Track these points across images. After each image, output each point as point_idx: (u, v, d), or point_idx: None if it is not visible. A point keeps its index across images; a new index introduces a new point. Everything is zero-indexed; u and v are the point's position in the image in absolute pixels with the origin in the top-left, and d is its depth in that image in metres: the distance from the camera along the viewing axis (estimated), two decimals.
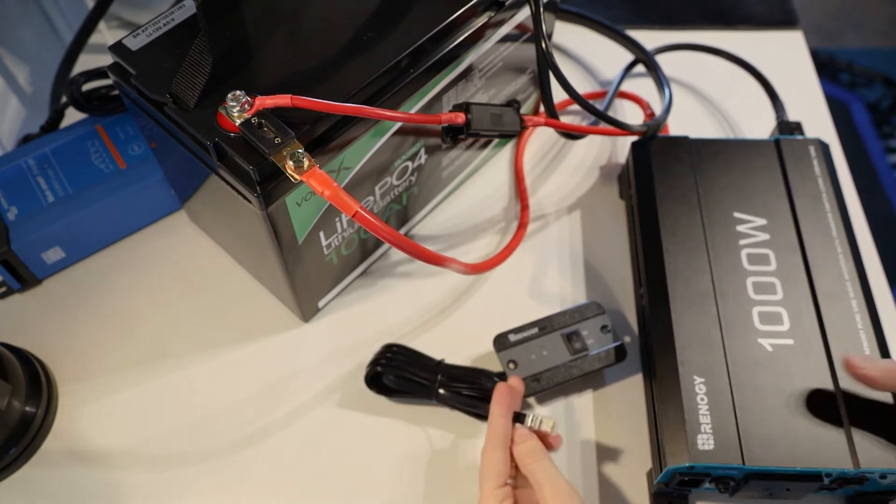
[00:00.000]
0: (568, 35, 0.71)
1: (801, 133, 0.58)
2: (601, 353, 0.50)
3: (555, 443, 0.45)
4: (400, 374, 0.48)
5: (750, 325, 0.46)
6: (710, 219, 0.51)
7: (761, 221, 0.51)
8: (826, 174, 0.53)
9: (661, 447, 0.43)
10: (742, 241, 0.50)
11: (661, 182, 0.53)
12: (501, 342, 0.50)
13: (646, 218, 0.52)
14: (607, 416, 0.50)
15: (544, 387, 0.48)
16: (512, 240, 0.57)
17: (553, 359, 0.49)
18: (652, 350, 0.48)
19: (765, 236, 0.50)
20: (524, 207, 0.59)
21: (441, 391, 0.48)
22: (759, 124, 0.65)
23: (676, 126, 0.63)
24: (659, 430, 0.44)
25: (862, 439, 0.42)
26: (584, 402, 0.51)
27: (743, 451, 0.42)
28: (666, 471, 0.42)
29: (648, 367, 0.49)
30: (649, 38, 0.67)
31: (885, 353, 0.45)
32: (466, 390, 0.48)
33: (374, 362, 0.49)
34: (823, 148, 0.55)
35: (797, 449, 0.42)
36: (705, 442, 0.42)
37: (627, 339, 0.53)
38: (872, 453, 0.41)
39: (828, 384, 0.44)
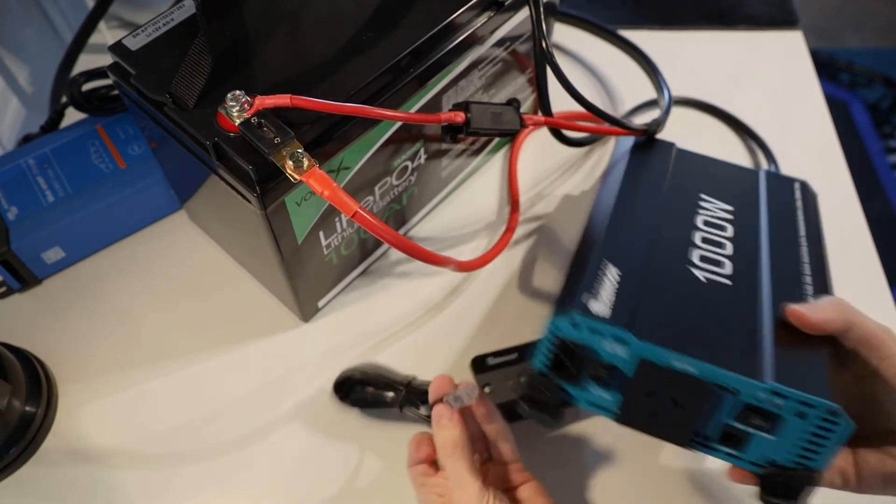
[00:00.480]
0: (567, 38, 0.71)
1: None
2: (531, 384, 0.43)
3: (484, 407, 0.41)
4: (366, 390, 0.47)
5: (685, 256, 0.43)
6: (672, 197, 0.48)
7: (727, 207, 0.48)
8: (806, 211, 0.49)
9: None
10: (700, 211, 0.47)
11: (632, 170, 0.51)
12: (479, 365, 0.49)
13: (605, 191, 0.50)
14: None
15: (519, 415, 0.46)
16: (499, 240, 0.57)
17: None
18: (578, 249, 0.45)
19: (726, 215, 0.47)
20: (514, 210, 0.60)
21: (404, 409, 0.46)
22: None
23: None
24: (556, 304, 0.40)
25: (780, 364, 0.36)
26: None
27: (637, 324, 0.36)
28: (548, 327, 0.37)
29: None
30: (649, 38, 0.67)
31: None
32: (426, 411, 0.45)
33: (343, 378, 0.48)
34: (809, 191, 0.52)
35: (706, 350, 0.36)
36: (600, 306, 0.37)
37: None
38: (789, 377, 0.35)
39: (753, 316, 0.39)
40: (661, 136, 0.56)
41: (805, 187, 0.52)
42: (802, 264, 0.44)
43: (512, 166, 0.62)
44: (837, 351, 0.38)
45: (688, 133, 0.65)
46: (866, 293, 0.56)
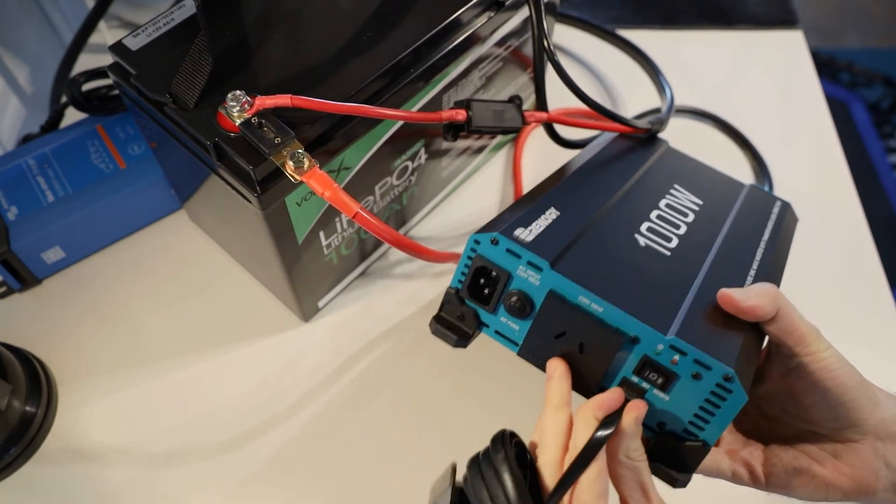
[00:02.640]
0: (568, 39, 0.71)
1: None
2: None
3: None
4: None
5: (635, 223, 0.42)
6: (646, 178, 0.47)
7: (697, 200, 0.47)
8: (776, 228, 0.47)
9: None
10: (667, 196, 0.46)
11: (614, 145, 0.50)
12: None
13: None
14: None
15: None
16: None
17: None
18: (531, 191, 0.44)
19: (692, 205, 0.46)
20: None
21: None
22: None
23: None
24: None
25: (692, 327, 0.35)
26: None
27: (556, 258, 0.36)
28: (468, 242, 0.37)
29: None
30: (650, 38, 0.67)
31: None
32: None
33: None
34: (789, 212, 0.50)
35: (619, 295, 0.35)
36: (526, 234, 0.37)
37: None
38: (694, 338, 0.34)
39: (686, 285, 0.38)
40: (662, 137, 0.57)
41: (786, 209, 0.50)
42: (752, 263, 0.43)
43: (516, 162, 0.62)
44: (767, 348, 0.38)
45: (687, 140, 0.65)
46: (866, 293, 0.56)
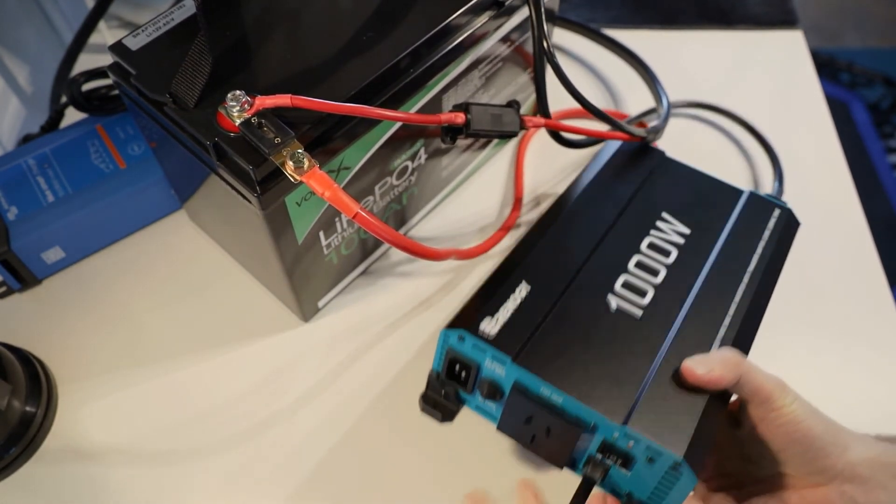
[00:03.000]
0: (567, 42, 0.71)
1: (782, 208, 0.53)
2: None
3: None
4: None
5: (609, 281, 0.43)
6: (631, 213, 0.48)
7: (684, 230, 0.47)
8: (771, 241, 0.48)
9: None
10: (652, 232, 0.47)
11: (600, 179, 0.51)
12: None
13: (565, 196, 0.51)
14: None
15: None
16: (502, 225, 0.57)
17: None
18: (512, 252, 0.46)
19: (678, 239, 0.47)
20: (517, 200, 0.60)
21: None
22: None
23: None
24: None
25: (647, 411, 0.37)
26: None
27: (521, 351, 0.38)
28: (440, 336, 0.40)
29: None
30: (649, 38, 0.67)
31: None
32: None
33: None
34: (789, 220, 0.50)
35: (577, 385, 0.38)
36: (491, 326, 0.40)
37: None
38: (648, 424, 0.36)
39: (650, 357, 0.40)
40: (662, 140, 0.57)
41: (786, 215, 0.50)
42: (733, 301, 0.44)
43: (519, 165, 0.62)
44: (732, 407, 0.41)
45: (694, 134, 0.65)
46: (866, 293, 0.56)
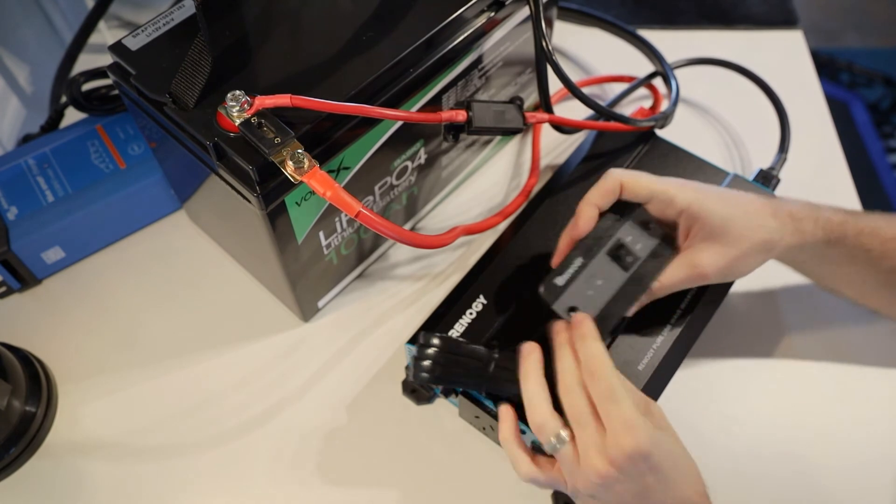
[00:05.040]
0: (567, 37, 0.71)
1: (772, 187, 0.54)
2: (654, 254, 0.44)
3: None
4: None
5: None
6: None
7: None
8: None
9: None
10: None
11: (582, 169, 0.53)
12: (552, 290, 0.42)
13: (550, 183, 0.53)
14: None
15: (615, 323, 0.42)
16: (510, 203, 0.57)
17: (610, 285, 0.43)
18: (478, 262, 0.50)
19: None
20: (532, 174, 0.60)
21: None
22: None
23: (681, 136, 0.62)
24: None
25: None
26: None
27: None
28: (406, 345, 0.46)
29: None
30: (649, 38, 0.67)
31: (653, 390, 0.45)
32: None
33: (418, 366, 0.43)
34: None
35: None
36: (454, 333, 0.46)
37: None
38: None
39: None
40: (664, 130, 0.57)
41: None
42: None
43: (535, 151, 0.62)
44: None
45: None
46: None
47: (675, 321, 0.47)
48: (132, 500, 0.47)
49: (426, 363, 0.42)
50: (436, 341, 0.42)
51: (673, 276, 0.43)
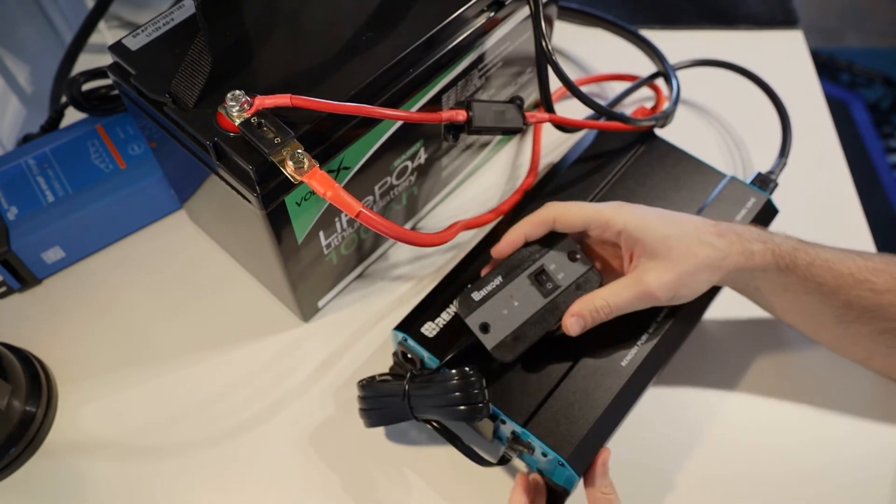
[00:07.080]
0: (568, 37, 0.71)
1: (770, 191, 0.54)
2: (578, 286, 0.45)
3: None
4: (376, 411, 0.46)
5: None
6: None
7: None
8: (743, 221, 0.50)
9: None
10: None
11: (576, 169, 0.54)
12: (466, 303, 0.44)
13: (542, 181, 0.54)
14: None
15: (526, 345, 0.43)
16: (510, 196, 0.57)
17: (526, 308, 0.44)
18: (458, 265, 0.50)
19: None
20: (531, 173, 0.60)
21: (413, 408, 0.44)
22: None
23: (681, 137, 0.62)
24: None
25: (547, 415, 0.43)
26: None
27: (451, 358, 0.44)
28: (393, 332, 0.47)
29: None
30: (649, 38, 0.67)
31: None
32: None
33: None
34: (766, 207, 0.51)
35: (491, 388, 0.43)
36: (430, 330, 0.46)
37: (598, 264, 0.48)
38: (545, 426, 0.43)
39: (565, 366, 0.45)
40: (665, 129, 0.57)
41: (763, 203, 0.51)
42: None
43: (535, 152, 0.62)
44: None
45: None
46: None
47: (643, 342, 0.46)
48: (132, 500, 0.47)
49: (362, 414, 0.46)
50: (359, 393, 0.46)
51: (620, 296, 0.43)
